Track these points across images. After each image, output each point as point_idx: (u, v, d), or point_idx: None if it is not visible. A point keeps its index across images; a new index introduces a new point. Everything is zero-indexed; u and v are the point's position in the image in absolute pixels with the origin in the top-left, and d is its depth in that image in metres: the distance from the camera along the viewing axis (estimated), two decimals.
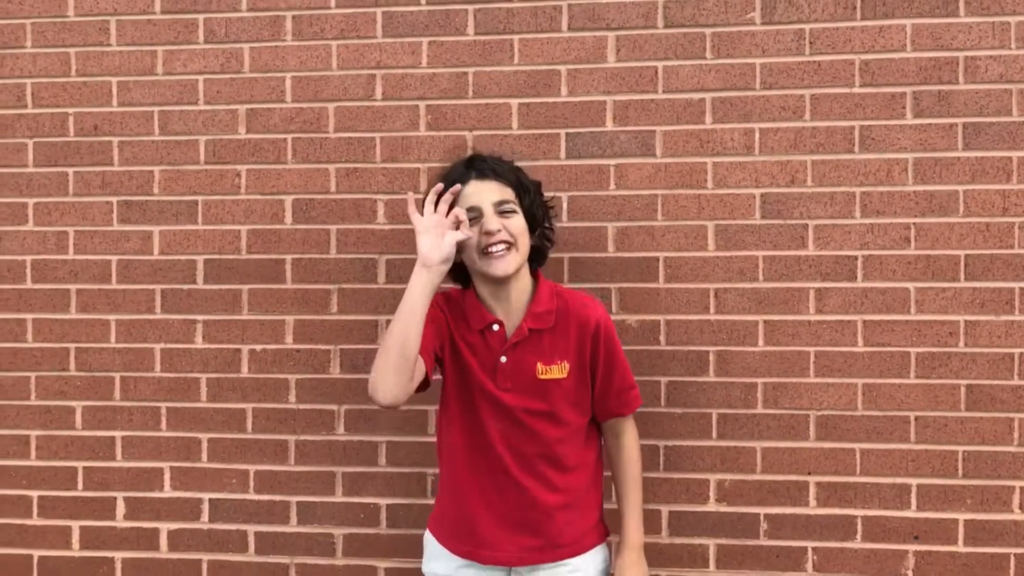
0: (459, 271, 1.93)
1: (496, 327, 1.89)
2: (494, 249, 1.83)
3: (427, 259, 1.77)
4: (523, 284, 1.90)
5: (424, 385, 1.86)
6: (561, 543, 1.90)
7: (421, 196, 1.88)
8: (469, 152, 2.01)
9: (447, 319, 1.92)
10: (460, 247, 1.84)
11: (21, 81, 2.44)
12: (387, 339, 1.76)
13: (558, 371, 1.87)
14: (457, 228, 1.81)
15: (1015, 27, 2.18)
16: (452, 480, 1.95)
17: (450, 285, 1.97)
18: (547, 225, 1.97)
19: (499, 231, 1.82)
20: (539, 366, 1.87)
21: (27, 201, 2.45)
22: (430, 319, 1.86)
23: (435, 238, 1.78)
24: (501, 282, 1.87)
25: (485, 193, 1.85)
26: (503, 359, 1.87)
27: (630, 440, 1.99)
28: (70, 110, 2.44)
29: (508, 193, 1.87)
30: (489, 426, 1.88)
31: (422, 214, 1.82)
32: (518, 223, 1.86)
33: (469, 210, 1.84)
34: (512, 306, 1.89)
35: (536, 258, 1.94)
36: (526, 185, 1.90)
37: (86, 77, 2.43)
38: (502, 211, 1.84)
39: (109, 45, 2.42)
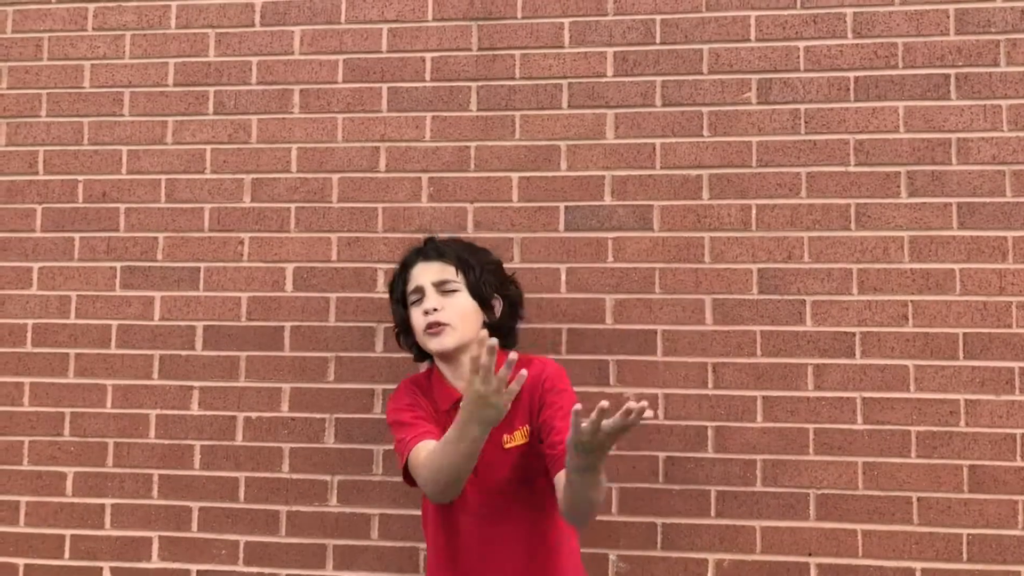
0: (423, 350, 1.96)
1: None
2: (431, 329, 1.88)
3: (497, 420, 1.65)
4: None
5: None
6: None
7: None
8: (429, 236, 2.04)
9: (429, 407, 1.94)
10: (410, 329, 1.94)
11: (34, 148, 2.50)
12: (439, 472, 1.72)
13: (520, 436, 1.86)
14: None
15: (1007, 110, 2.23)
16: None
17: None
18: (508, 300, 1.98)
19: (436, 310, 1.88)
20: (504, 437, 1.86)
21: (32, 265, 2.47)
22: (424, 410, 1.91)
23: (505, 403, 1.63)
24: (450, 358, 1.91)
25: (426, 274, 1.93)
26: None
27: None
28: (80, 177, 2.49)
29: (449, 272, 1.92)
30: (460, 520, 1.87)
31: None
32: (460, 301, 1.90)
33: (414, 291, 1.93)
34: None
35: (507, 334, 1.96)
36: (470, 263, 1.93)
37: (98, 146, 2.49)
38: (444, 290, 1.90)
39: (122, 115, 2.49)
